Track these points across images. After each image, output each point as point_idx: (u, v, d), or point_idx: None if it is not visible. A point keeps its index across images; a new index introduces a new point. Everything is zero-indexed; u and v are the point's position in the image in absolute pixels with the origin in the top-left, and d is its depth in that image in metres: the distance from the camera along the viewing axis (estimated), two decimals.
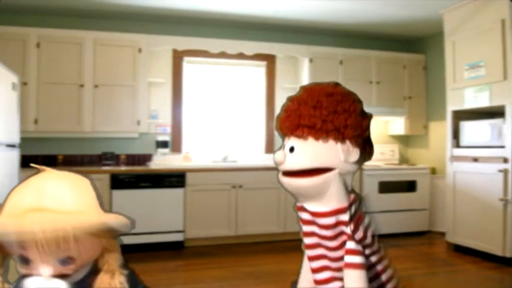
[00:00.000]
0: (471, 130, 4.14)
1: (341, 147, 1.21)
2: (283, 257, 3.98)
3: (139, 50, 4.59)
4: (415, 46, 5.76)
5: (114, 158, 4.72)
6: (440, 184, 4.98)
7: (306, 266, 1.39)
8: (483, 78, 3.91)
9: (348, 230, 1.22)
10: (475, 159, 4.00)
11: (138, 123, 4.58)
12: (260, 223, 4.58)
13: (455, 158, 4.24)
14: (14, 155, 2.87)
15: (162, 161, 4.80)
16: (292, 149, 1.24)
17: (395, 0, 4.25)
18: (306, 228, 1.30)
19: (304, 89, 1.30)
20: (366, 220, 1.30)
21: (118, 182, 4.17)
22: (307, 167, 1.22)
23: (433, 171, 5.28)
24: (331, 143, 1.21)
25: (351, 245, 1.21)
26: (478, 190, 3.96)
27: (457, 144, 4.26)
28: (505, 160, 3.70)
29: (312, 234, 1.29)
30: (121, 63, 4.53)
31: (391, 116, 5.46)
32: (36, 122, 4.26)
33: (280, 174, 1.30)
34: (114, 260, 1.02)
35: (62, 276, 0.93)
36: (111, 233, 1.01)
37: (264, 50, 5.05)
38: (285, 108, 1.29)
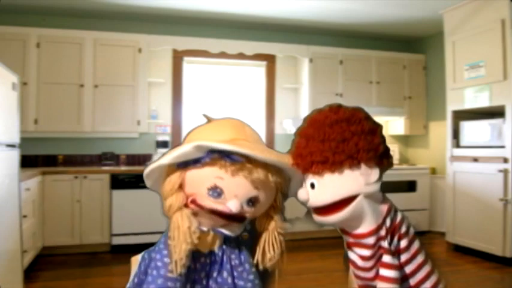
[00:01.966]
0: (471, 130, 4.14)
1: (359, 172, 1.19)
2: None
3: (139, 50, 4.59)
4: (415, 46, 5.76)
5: (114, 158, 4.72)
6: (440, 184, 4.97)
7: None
8: (483, 78, 3.91)
9: (386, 243, 1.22)
10: (475, 159, 4.00)
11: (138, 123, 4.58)
12: None
13: (455, 158, 4.24)
14: (14, 155, 2.86)
15: None
16: (313, 185, 1.23)
17: (396, 0, 4.25)
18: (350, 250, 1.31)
19: (308, 121, 1.28)
20: (404, 225, 1.27)
21: (118, 182, 4.17)
22: (329, 202, 1.20)
23: (433, 171, 5.27)
24: (347, 171, 1.19)
25: (387, 258, 1.21)
26: (478, 190, 3.95)
27: (457, 144, 4.26)
28: (505, 160, 3.70)
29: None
30: (121, 63, 4.53)
31: (391, 116, 5.45)
32: (36, 122, 4.26)
33: (313, 213, 1.28)
34: (279, 220, 1.15)
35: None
36: (284, 190, 1.16)
37: (264, 50, 5.05)
38: (295, 145, 1.27)
